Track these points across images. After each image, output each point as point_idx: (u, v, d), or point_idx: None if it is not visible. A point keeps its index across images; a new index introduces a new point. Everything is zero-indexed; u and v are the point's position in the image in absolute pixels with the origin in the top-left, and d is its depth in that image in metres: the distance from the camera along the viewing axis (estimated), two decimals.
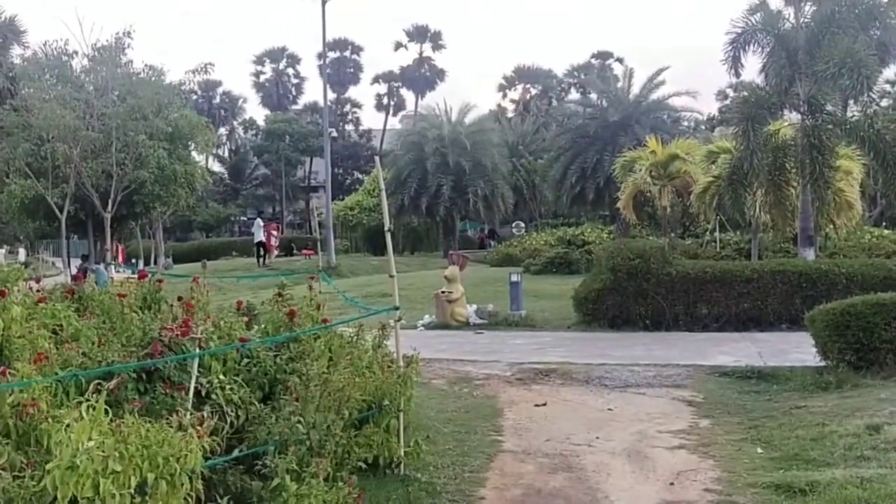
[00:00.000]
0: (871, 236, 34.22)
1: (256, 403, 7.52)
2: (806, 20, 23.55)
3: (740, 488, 8.63)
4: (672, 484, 8.89)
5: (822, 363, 14.19)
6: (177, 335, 7.29)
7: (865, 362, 13.76)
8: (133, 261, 45.06)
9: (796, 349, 15.34)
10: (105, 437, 5.16)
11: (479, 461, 9.69)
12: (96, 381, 5.66)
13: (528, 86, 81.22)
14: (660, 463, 9.68)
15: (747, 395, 13.18)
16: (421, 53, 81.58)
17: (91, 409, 5.27)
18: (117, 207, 36.14)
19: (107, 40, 36.11)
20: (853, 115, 23.68)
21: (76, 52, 36.70)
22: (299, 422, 7.19)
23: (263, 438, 7.14)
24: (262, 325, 9.48)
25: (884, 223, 43.99)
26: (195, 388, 7.02)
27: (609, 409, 12.34)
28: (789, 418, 11.45)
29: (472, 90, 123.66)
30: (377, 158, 12.24)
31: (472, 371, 14.96)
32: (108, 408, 5.39)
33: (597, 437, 10.73)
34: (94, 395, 5.40)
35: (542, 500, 8.51)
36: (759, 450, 10.10)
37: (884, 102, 48.56)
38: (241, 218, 77.11)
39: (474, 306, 21.78)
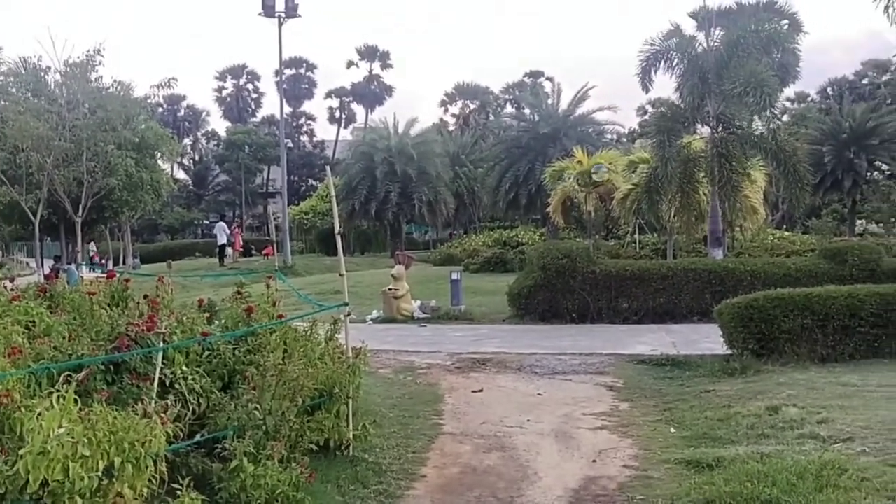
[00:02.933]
0: (773, 238, 34.79)
1: (217, 392, 7.51)
2: (715, 44, 23.90)
3: (655, 464, 8.75)
4: (594, 461, 8.99)
5: (729, 352, 14.40)
6: (142, 330, 7.25)
7: (766, 350, 14.01)
8: (103, 261, 44.38)
9: (706, 339, 15.50)
10: (74, 424, 5.12)
11: (421, 442, 9.72)
12: (66, 374, 5.59)
13: (468, 101, 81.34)
14: (584, 442, 9.77)
15: (662, 380, 13.32)
16: (371, 71, 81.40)
17: (61, 399, 5.22)
18: (88, 212, 35.57)
19: (78, 57, 35.47)
20: (758, 129, 24.07)
21: (49, 68, 36.02)
22: (256, 408, 7.19)
23: (223, 424, 7.13)
24: (223, 321, 9.45)
25: (784, 226, 44.85)
26: (160, 378, 6.97)
27: (539, 395, 12.43)
28: (699, 401, 11.60)
29: (417, 105, 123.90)
30: (328, 168, 12.27)
31: (416, 361, 14.97)
32: (77, 398, 5.35)
33: (528, 420, 10.80)
34: (65, 386, 5.34)
35: (478, 477, 8.56)
36: (672, 429, 10.22)
37: (785, 118, 49.55)
38: (204, 221, 76.16)
39: (418, 302, 21.78)
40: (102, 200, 35.93)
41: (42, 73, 36.15)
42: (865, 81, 67.97)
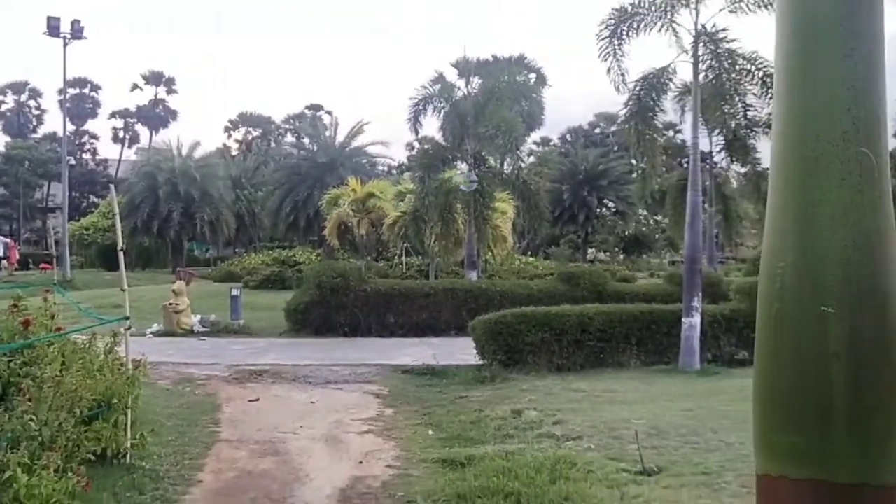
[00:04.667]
0: (519, 262, 36.35)
1: None
2: (474, 91, 24.68)
3: (415, 463, 8.83)
4: (361, 462, 8.98)
5: (481, 362, 14.83)
6: None
7: (512, 361, 14.58)
8: None
9: (462, 351, 15.80)
10: None
11: (198, 449, 9.34)
12: None
13: (251, 129, 79.62)
14: (352, 445, 9.74)
15: (423, 388, 13.49)
16: (156, 95, 77.78)
17: None
18: None
19: None
20: (508, 168, 25.07)
21: None
22: (32, 419, 6.65)
23: None
24: None
25: (529, 252, 46.85)
26: None
27: (312, 403, 12.28)
28: (454, 406, 11.86)
29: (202, 130, 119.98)
30: (112, 186, 11.70)
31: (195, 372, 14.40)
32: None
33: (301, 426, 10.64)
34: None
35: (253, 480, 8.34)
36: (431, 432, 10.38)
37: (532, 159, 52.00)
38: None
39: (198, 316, 21.03)
40: None
41: None
42: (598, 130, 72.41)
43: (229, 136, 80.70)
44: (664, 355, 15.15)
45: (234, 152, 73.61)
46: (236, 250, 59.50)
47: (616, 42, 15.89)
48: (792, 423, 2.56)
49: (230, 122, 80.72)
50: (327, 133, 54.76)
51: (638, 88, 16.30)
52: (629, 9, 15.76)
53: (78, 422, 7.18)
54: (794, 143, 2.64)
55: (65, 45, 40.06)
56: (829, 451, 2.48)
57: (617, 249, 50.07)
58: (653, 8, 15.56)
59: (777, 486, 2.59)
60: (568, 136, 71.66)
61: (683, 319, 15.01)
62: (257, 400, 12.33)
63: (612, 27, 15.92)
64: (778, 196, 2.65)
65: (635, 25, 15.79)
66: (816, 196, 2.57)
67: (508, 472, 7.75)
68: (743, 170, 26.78)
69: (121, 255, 9.32)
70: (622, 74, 16.04)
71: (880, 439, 2.48)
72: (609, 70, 16.03)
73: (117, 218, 10.04)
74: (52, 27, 39.55)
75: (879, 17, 2.66)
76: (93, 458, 7.52)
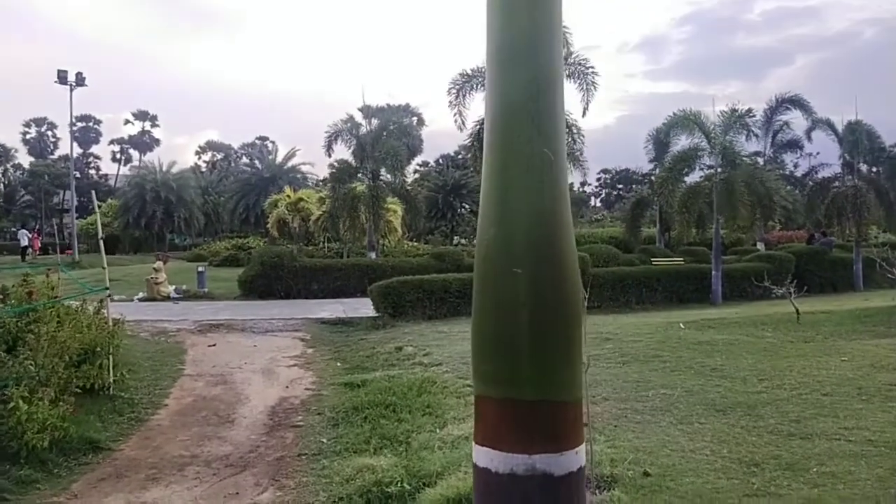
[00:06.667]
0: (406, 246, 36.13)
1: (1, 353, 6.29)
2: (373, 128, 24.31)
3: (326, 386, 8.70)
4: (287, 387, 8.76)
5: (376, 314, 14.72)
6: None
7: (398, 313, 14.54)
8: None
9: (364, 307, 15.65)
10: None
11: (166, 382, 8.86)
12: None
13: (215, 153, 76.04)
14: (282, 375, 9.49)
15: (335, 333, 13.28)
16: (143, 128, 73.16)
17: None
18: None
19: None
20: (396, 181, 24.85)
21: None
22: (31, 364, 6.12)
23: (4, 377, 5.99)
24: (11, 301, 7.96)
25: (414, 239, 46.73)
26: None
27: (254, 346, 11.84)
28: (356, 345, 11.75)
29: (179, 152, 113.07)
30: (93, 192, 10.84)
31: (168, 327, 13.60)
32: None
33: (245, 363, 10.27)
34: None
35: (206, 402, 7.97)
36: (339, 364, 10.24)
37: (416, 175, 51.98)
38: (12, 229, 64.34)
39: (174, 286, 19.92)
40: None
41: None
42: (460, 156, 72.72)
43: (199, 157, 76.73)
44: None
45: (203, 169, 70.08)
46: (205, 239, 56.68)
47: (460, 98, 15.95)
48: (492, 355, 2.49)
49: (199, 147, 76.93)
50: (270, 157, 53.74)
51: (477, 128, 16.43)
52: (469, 72, 15.81)
53: (68, 365, 6.67)
54: (497, 147, 2.53)
55: (71, 90, 37.14)
56: (518, 377, 2.42)
57: (472, 237, 50.69)
58: (483, 71, 15.70)
59: (484, 403, 2.53)
60: (441, 160, 71.78)
61: None
62: (214, 345, 11.82)
63: (458, 87, 15.96)
64: (485, 186, 2.56)
65: (473, 85, 15.87)
66: (508, 183, 2.47)
67: (389, 389, 7.70)
68: None
69: (101, 243, 8.70)
70: (463, 121, 16.22)
71: (556, 367, 2.43)
72: (454, 117, 16.14)
73: (98, 215, 9.51)
74: (62, 77, 36.59)
75: (557, 55, 2.58)
76: (83, 391, 7.01)
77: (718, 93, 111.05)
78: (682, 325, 11.47)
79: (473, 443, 2.57)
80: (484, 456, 2.47)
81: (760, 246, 26.21)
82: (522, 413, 2.41)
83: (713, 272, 18.69)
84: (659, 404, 6.35)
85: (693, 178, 21.01)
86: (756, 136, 22.07)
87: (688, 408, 6.21)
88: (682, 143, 20.72)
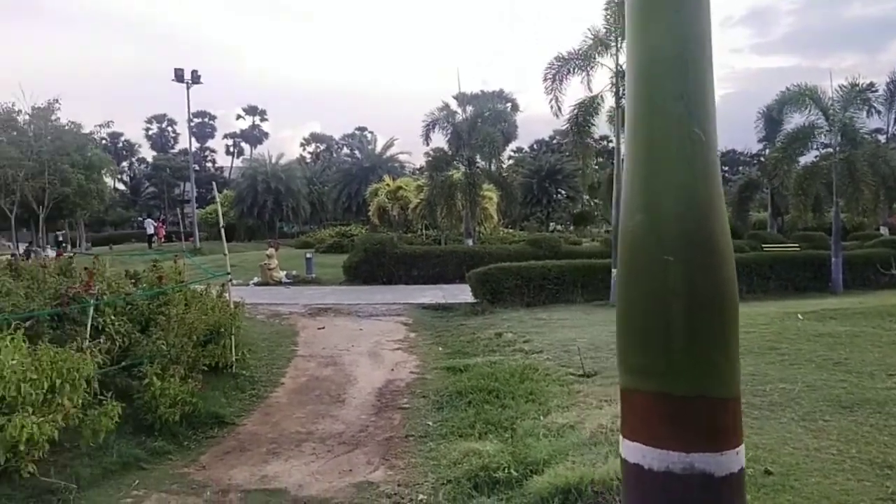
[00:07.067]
0: (502, 233, 35.99)
1: (136, 333, 6.89)
2: (468, 115, 24.36)
3: (429, 370, 8.85)
4: (392, 370, 8.99)
5: (475, 300, 14.79)
6: (79, 292, 6.51)
7: (496, 300, 14.54)
8: (65, 245, 39.79)
9: (463, 293, 15.76)
10: (23, 357, 4.53)
11: (282, 362, 9.36)
12: (16, 322, 4.94)
13: (318, 144, 79.00)
14: (387, 358, 9.75)
15: (436, 318, 13.49)
16: (254, 122, 77.19)
17: (14, 340, 4.61)
18: (49, 211, 31.78)
19: (41, 104, 31.68)
20: (491, 168, 24.79)
21: (20, 111, 31.81)
22: (163, 343, 6.66)
23: (140, 355, 6.56)
24: (143, 285, 8.68)
25: (509, 226, 46.50)
26: (94, 325, 6.31)
27: (360, 329, 12.25)
28: (457, 330, 11.87)
29: (285, 144, 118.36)
30: (214, 184, 11.67)
31: (282, 310, 14.36)
32: (29, 340, 4.76)
33: (352, 346, 10.65)
34: (17, 331, 4.73)
35: (319, 382, 8.34)
36: (440, 348, 10.39)
37: (510, 161, 51.57)
38: (138, 218, 69.86)
39: (285, 271, 20.98)
40: (60, 203, 32.23)
41: (15, 115, 31.84)
42: (555, 141, 71.53)
43: (304, 148, 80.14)
44: (600, 294, 15.02)
45: (308, 160, 73.09)
46: (311, 227, 59.26)
47: (557, 83, 15.58)
48: (641, 347, 2.34)
49: (304, 139, 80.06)
50: (369, 147, 55.19)
51: (575, 112, 16.01)
52: (565, 55, 15.40)
53: (196, 345, 7.19)
54: (640, 129, 2.33)
55: (188, 88, 39.73)
56: (672, 370, 2.26)
57: (569, 223, 49.88)
58: (580, 54, 15.24)
59: (633, 397, 2.39)
60: (535, 146, 70.78)
61: (612, 270, 14.88)
62: (323, 328, 12.35)
63: (554, 72, 15.59)
64: (628, 174, 2.38)
65: (570, 69, 15.45)
66: (655, 167, 2.29)
67: (491, 375, 7.73)
68: None
69: (222, 231, 9.32)
70: (559, 106, 15.87)
71: (712, 360, 2.25)
72: (550, 103, 15.81)
73: (219, 207, 10.12)
74: (178, 75, 39.16)
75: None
76: (208, 369, 7.53)
77: (833, 66, 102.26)
78: (799, 316, 10.71)
79: (621, 437, 2.47)
80: (635, 451, 2.37)
81: (884, 230, 24.08)
82: (677, 408, 2.27)
83: (833, 259, 17.32)
84: (778, 399, 5.98)
85: (806, 158, 19.50)
86: (878, 112, 20.09)
87: (810, 404, 5.80)
88: (795, 120, 19.20)
